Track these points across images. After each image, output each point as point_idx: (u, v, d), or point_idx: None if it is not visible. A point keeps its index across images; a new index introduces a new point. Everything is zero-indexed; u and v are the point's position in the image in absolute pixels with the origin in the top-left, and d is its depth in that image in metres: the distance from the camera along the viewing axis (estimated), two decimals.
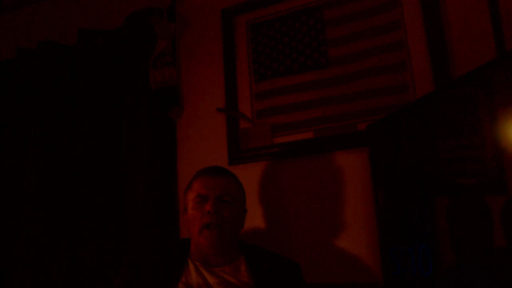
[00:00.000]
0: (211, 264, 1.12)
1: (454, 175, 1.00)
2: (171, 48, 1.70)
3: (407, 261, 1.06)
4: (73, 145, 1.75)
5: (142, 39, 1.74)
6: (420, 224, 1.08)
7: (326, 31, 1.54)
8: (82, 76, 1.79)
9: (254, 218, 1.50)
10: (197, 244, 1.13)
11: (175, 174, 1.68)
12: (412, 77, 1.38)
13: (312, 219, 1.44)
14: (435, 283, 1.01)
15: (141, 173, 1.63)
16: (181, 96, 1.75)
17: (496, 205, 0.87)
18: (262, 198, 1.52)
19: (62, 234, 1.69)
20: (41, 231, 1.70)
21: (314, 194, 1.45)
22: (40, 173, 1.75)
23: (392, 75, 1.41)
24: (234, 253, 1.16)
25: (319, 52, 1.53)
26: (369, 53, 1.45)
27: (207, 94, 1.70)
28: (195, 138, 1.69)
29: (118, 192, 1.67)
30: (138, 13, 1.78)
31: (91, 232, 1.64)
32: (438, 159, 1.05)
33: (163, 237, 1.58)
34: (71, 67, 1.83)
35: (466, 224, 0.96)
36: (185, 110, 1.73)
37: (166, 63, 1.67)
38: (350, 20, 1.51)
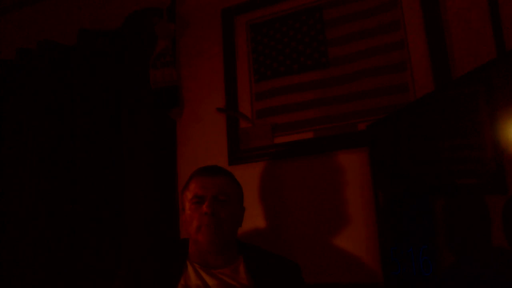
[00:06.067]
0: (210, 265, 1.12)
1: (454, 175, 1.00)
2: (171, 48, 1.70)
3: (407, 261, 1.06)
4: (73, 145, 1.75)
5: (142, 39, 1.74)
6: (420, 224, 1.08)
7: (326, 31, 1.54)
8: (82, 76, 1.79)
9: (254, 218, 1.50)
10: (195, 242, 1.13)
11: (175, 174, 1.68)
12: (412, 77, 1.38)
13: (312, 219, 1.44)
14: (435, 283, 1.01)
15: (141, 173, 1.63)
16: (181, 96, 1.75)
17: (496, 205, 0.87)
18: (262, 198, 1.52)
19: (62, 235, 1.69)
20: (41, 231, 1.70)
21: (314, 194, 1.45)
22: (40, 173, 1.75)
23: (392, 75, 1.41)
24: (233, 254, 1.15)
25: (319, 52, 1.53)
26: (369, 53, 1.45)
27: (207, 94, 1.70)
28: (195, 138, 1.69)
29: (118, 192, 1.67)
30: (138, 13, 1.78)
31: (91, 232, 1.64)
32: (438, 159, 1.05)
33: (163, 237, 1.58)
34: (71, 67, 1.83)
35: (465, 224, 0.96)
36: (185, 110, 1.73)
37: (166, 63, 1.67)
38: (350, 20, 1.50)
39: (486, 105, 0.91)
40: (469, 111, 0.95)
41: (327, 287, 1.37)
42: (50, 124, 1.79)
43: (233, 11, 1.70)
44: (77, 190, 1.70)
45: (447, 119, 1.02)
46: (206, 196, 1.11)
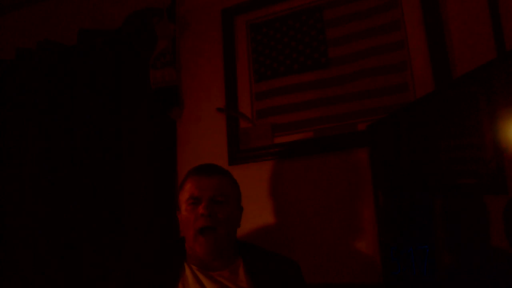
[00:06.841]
0: (208, 268, 1.09)
1: (454, 175, 1.00)
2: (171, 48, 1.70)
3: (407, 261, 1.06)
4: (73, 145, 1.75)
5: (142, 39, 1.74)
6: (420, 224, 1.08)
7: (326, 31, 1.54)
8: (82, 76, 1.79)
9: (254, 218, 1.50)
10: (193, 249, 1.10)
11: (175, 174, 1.68)
12: (412, 77, 1.38)
13: (312, 219, 1.44)
14: (435, 283, 1.01)
15: (141, 173, 1.63)
16: (181, 96, 1.75)
17: (496, 205, 0.87)
18: (262, 198, 1.52)
19: (61, 235, 1.69)
20: (40, 232, 1.70)
21: (314, 194, 1.45)
22: (40, 173, 1.75)
23: (392, 75, 1.41)
24: (232, 255, 1.13)
25: (319, 52, 1.53)
26: (369, 53, 1.45)
27: (207, 94, 1.70)
28: (195, 138, 1.69)
29: (118, 192, 1.67)
30: (138, 13, 1.78)
31: (91, 232, 1.64)
32: (438, 159, 1.05)
33: (162, 237, 1.58)
34: (71, 67, 1.83)
35: (465, 224, 0.96)
36: (185, 110, 1.73)
37: (166, 63, 1.67)
38: (350, 20, 1.51)
39: (486, 105, 0.91)
40: (469, 111, 0.95)
41: (327, 287, 1.37)
42: (49, 124, 1.79)
43: (233, 11, 1.70)
44: (76, 190, 1.70)
45: (447, 119, 1.02)
46: (203, 197, 1.08)
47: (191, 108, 1.72)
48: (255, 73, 1.63)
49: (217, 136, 1.64)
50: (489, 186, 0.90)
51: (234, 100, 1.63)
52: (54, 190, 1.73)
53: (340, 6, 1.53)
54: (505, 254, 0.85)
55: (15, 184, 1.82)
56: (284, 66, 1.58)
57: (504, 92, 0.87)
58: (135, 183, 1.64)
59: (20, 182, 1.80)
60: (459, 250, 0.98)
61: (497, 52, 1.26)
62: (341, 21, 1.52)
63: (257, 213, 1.51)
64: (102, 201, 1.67)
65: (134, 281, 1.11)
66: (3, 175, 1.86)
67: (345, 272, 1.36)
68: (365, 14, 1.48)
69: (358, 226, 1.37)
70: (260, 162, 1.54)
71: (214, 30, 1.73)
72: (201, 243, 1.06)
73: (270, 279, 1.09)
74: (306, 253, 1.41)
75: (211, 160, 1.48)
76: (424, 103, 1.12)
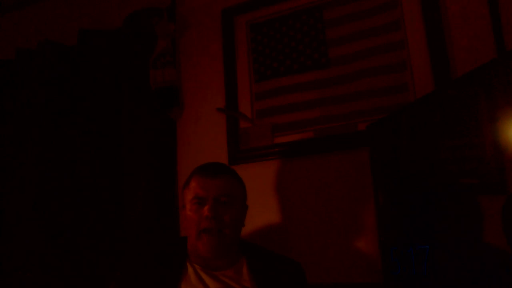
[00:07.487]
0: (211, 267, 1.08)
1: (454, 175, 1.00)
2: (171, 48, 1.70)
3: (407, 261, 1.06)
4: (73, 145, 1.75)
5: (142, 39, 1.74)
6: (420, 224, 1.08)
7: (326, 31, 1.54)
8: (82, 76, 1.79)
9: (254, 218, 1.50)
10: (195, 247, 1.09)
11: (175, 174, 1.68)
12: (412, 77, 1.38)
13: (312, 219, 1.44)
14: (435, 283, 1.01)
15: (141, 173, 1.63)
16: (181, 96, 1.75)
17: (496, 205, 0.87)
18: (262, 198, 1.52)
19: (61, 235, 1.69)
20: (41, 231, 1.70)
21: (314, 194, 1.45)
22: (40, 173, 1.74)
23: (392, 75, 1.41)
24: (235, 254, 1.12)
25: (319, 52, 1.53)
26: (369, 53, 1.45)
27: (207, 94, 1.70)
28: (195, 138, 1.69)
29: (118, 192, 1.67)
30: (138, 13, 1.78)
31: (91, 232, 1.64)
32: (438, 159, 1.05)
33: (163, 237, 1.58)
34: (71, 67, 1.83)
35: (465, 224, 0.96)
36: (185, 110, 1.73)
37: (166, 63, 1.67)
38: (350, 20, 1.51)
39: (486, 105, 0.91)
40: (469, 111, 0.95)
41: (327, 287, 1.37)
42: (50, 124, 1.79)
43: (233, 11, 1.70)
44: (77, 190, 1.70)
45: (447, 119, 1.02)
46: (207, 197, 1.07)
47: (191, 108, 1.72)
48: (255, 73, 1.63)
49: (217, 136, 1.64)
50: (489, 186, 0.90)
51: (234, 100, 1.63)
52: (54, 190, 1.73)
53: (340, 6, 1.53)
54: (504, 254, 0.85)
55: (15, 185, 1.82)
56: (284, 66, 1.58)
57: (504, 92, 0.87)
58: (135, 183, 1.64)
59: (20, 182, 1.80)
60: (459, 250, 0.98)
61: (497, 52, 1.26)
62: (341, 21, 1.52)
63: (257, 213, 1.50)
64: (102, 201, 1.67)
65: (135, 281, 1.10)
66: (3, 175, 1.86)
67: (345, 272, 1.36)
68: (365, 14, 1.48)
69: (358, 226, 1.37)
70: (260, 162, 1.54)
71: (214, 30, 1.73)
72: (204, 242, 1.05)
73: (273, 280, 1.08)
74: (306, 253, 1.41)
75: (211, 160, 1.48)
76: (424, 103, 1.12)
